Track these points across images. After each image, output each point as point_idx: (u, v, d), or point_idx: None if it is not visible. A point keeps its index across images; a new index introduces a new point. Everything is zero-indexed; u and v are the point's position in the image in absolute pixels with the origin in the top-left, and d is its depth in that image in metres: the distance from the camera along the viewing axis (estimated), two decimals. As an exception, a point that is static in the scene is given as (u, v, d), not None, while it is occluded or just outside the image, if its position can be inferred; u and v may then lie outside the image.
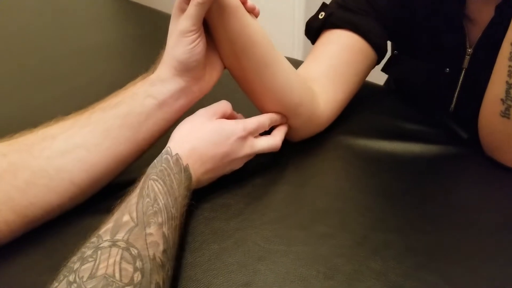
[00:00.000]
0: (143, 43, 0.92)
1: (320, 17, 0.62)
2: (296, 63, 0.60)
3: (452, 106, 0.63)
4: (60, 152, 0.44)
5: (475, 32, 0.58)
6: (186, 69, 0.47)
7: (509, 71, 0.49)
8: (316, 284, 0.39)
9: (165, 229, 0.38)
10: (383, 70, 0.70)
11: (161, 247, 0.36)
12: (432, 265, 0.41)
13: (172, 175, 0.42)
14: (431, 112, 0.65)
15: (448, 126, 0.62)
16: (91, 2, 1.21)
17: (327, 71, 0.59)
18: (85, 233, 0.36)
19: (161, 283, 0.34)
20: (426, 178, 0.52)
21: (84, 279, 0.31)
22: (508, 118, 0.50)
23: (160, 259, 0.35)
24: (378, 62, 0.63)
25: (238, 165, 0.50)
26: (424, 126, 0.61)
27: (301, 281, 0.39)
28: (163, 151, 0.45)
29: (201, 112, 0.49)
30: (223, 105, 0.51)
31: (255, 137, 0.51)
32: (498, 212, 0.47)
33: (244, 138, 0.49)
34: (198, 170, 0.46)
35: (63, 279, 0.32)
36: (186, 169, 0.44)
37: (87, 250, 0.34)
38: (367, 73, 0.62)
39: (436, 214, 0.46)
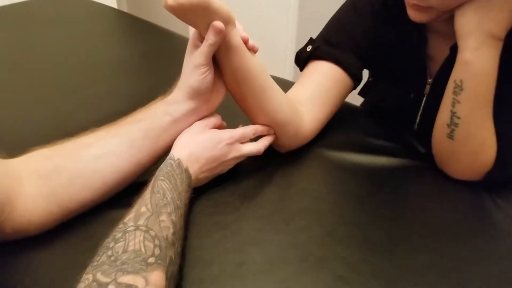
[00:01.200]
0: (151, 59, 1.04)
1: (307, 49, 0.73)
2: (286, 83, 0.71)
3: (416, 125, 0.75)
4: (95, 157, 0.55)
5: (435, 65, 0.69)
6: (197, 94, 0.59)
7: (452, 102, 0.60)
8: (294, 264, 0.51)
9: (173, 216, 0.49)
10: (359, 94, 0.82)
11: (171, 230, 0.47)
12: (386, 253, 0.53)
13: (175, 176, 0.54)
14: (398, 130, 0.77)
15: (410, 142, 0.74)
16: (103, 17, 1.33)
17: (312, 95, 0.70)
18: (111, 223, 0.46)
19: (173, 256, 0.46)
20: (387, 185, 0.64)
21: (119, 253, 0.42)
22: (452, 139, 0.62)
23: (171, 239, 0.47)
24: (354, 88, 0.75)
25: (229, 166, 0.62)
26: (390, 142, 0.73)
27: (283, 262, 0.51)
28: (167, 157, 0.56)
29: (196, 124, 0.60)
30: (214, 118, 0.62)
31: (243, 143, 0.62)
32: (441, 214, 0.59)
33: (231, 144, 0.60)
34: (196, 170, 0.57)
35: (103, 254, 0.42)
36: (186, 170, 0.56)
37: (117, 233, 0.45)
38: (344, 97, 0.74)
39: (392, 214, 0.58)
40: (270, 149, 0.67)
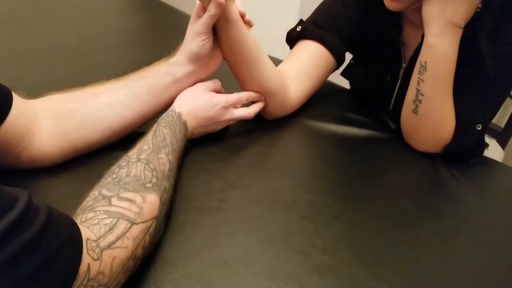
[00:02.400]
0: (158, 33, 1.13)
1: (297, 29, 0.81)
2: (279, 62, 0.80)
3: (391, 106, 0.83)
4: (104, 106, 0.63)
5: (409, 52, 0.77)
6: (197, 58, 0.66)
7: (418, 80, 0.69)
8: (267, 204, 0.59)
9: (170, 156, 0.56)
10: (342, 74, 0.90)
11: (167, 166, 0.55)
12: (345, 202, 0.61)
13: (175, 125, 0.61)
14: (374, 108, 0.85)
15: (383, 119, 0.82)
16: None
17: (298, 70, 0.78)
18: (114, 161, 0.53)
19: (167, 187, 0.53)
20: (358, 151, 0.72)
21: (123, 176, 0.49)
22: (417, 114, 0.70)
23: (167, 174, 0.54)
24: (337, 68, 0.83)
25: (221, 125, 0.70)
26: (365, 117, 0.82)
27: (258, 202, 0.59)
28: (169, 109, 0.64)
29: (199, 85, 0.68)
30: (215, 82, 0.70)
31: (235, 107, 0.70)
32: (400, 175, 0.68)
33: (226, 107, 0.68)
34: (192, 125, 0.65)
35: (108, 177, 0.50)
36: (184, 123, 0.63)
37: (121, 162, 0.52)
38: (327, 74, 0.82)
39: (356, 172, 0.67)
40: (258, 115, 0.74)
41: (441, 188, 0.66)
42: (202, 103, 0.66)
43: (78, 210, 0.46)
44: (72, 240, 0.37)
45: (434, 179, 0.68)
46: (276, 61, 0.79)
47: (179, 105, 0.65)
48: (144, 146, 0.55)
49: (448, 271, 0.52)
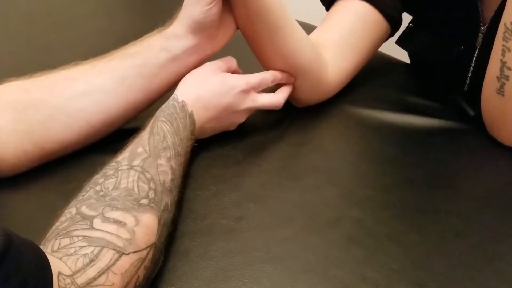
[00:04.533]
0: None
1: (336, -16, 0.81)
2: (309, 28, 0.79)
3: (466, 86, 0.82)
4: (79, 94, 0.63)
5: (488, 11, 0.75)
6: (201, 28, 0.66)
7: (503, 50, 0.67)
8: (299, 222, 0.58)
9: (172, 162, 0.56)
10: (397, 42, 0.88)
11: (169, 176, 0.55)
12: (405, 218, 0.60)
13: (178, 119, 0.61)
14: (444, 89, 0.83)
15: (457, 103, 0.81)
16: None
17: (339, 39, 0.78)
18: (95, 168, 0.53)
19: (169, 203, 0.53)
20: (421, 148, 0.72)
21: (110, 189, 0.49)
22: (503, 95, 0.69)
23: (169, 185, 0.54)
24: (391, 35, 0.82)
25: (240, 118, 0.70)
26: (430, 101, 0.81)
27: (287, 219, 0.59)
28: (170, 97, 0.64)
29: (207, 65, 0.68)
30: (229, 60, 0.70)
31: (258, 93, 0.69)
32: (478, 183, 0.67)
33: (246, 91, 0.67)
34: (202, 117, 0.65)
35: (89, 190, 0.50)
36: (191, 115, 0.63)
37: (108, 170, 0.52)
38: (378, 44, 0.81)
39: (420, 177, 0.66)
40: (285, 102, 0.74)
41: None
42: (213, 88, 0.66)
43: (49, 234, 0.46)
44: (39, 276, 0.37)
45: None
46: (308, 28, 0.78)
47: (182, 92, 0.65)
48: (138, 148, 0.55)
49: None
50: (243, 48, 0.73)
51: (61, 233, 0.45)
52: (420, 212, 0.61)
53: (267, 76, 0.70)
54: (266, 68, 0.73)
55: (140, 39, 0.68)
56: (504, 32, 0.67)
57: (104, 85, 0.64)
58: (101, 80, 0.64)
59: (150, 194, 0.51)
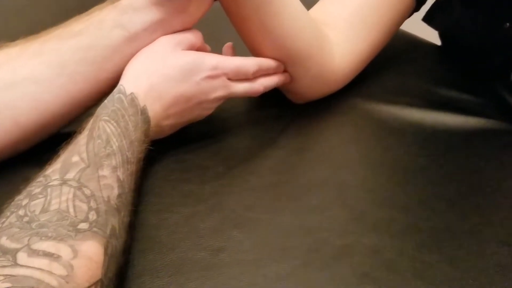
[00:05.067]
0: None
1: None
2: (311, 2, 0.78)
3: (513, 72, 0.81)
4: (4, 85, 0.62)
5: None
6: (167, -1, 0.65)
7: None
8: (297, 255, 0.56)
9: (119, 173, 0.55)
10: (424, 19, 0.88)
11: (116, 191, 0.53)
12: (435, 247, 0.58)
13: (126, 117, 0.60)
14: (484, 78, 0.83)
15: (500, 95, 0.80)
16: None
17: (349, 14, 0.77)
18: (17, 188, 0.51)
19: (116, 227, 0.52)
20: (454, 155, 0.70)
21: (37, 213, 0.48)
22: None
23: (116, 203, 0.53)
24: (416, 9, 0.81)
25: (208, 110, 0.68)
26: (468, 94, 0.80)
27: (280, 251, 0.57)
28: (115, 89, 0.62)
29: (162, 40, 0.66)
30: (192, 34, 0.68)
31: (234, 80, 0.68)
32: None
33: (215, 76, 0.66)
34: (158, 113, 0.64)
35: (10, 215, 0.48)
36: (143, 111, 0.62)
37: (34, 188, 0.50)
38: (400, 21, 0.80)
39: (454, 194, 0.65)
40: (279, 96, 0.73)
41: None
42: (171, 72, 0.65)
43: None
44: None
45: None
46: (310, 1, 0.76)
47: (130, 81, 0.64)
48: (73, 157, 0.54)
49: None
50: (224, 25, 0.72)
51: None
52: (454, 240, 0.60)
53: (248, 64, 0.69)
54: (253, 52, 0.72)
55: (86, 12, 0.67)
56: None
57: (37, 74, 0.63)
58: (33, 67, 0.63)
59: (90, 216, 0.49)
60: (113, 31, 0.65)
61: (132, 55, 0.66)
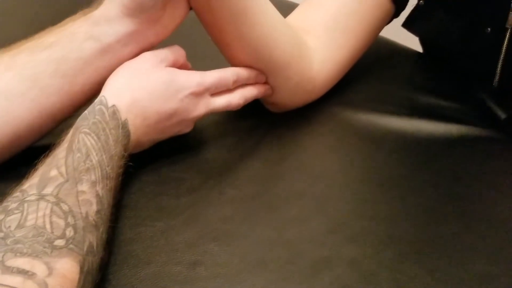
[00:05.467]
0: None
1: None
2: (289, 8, 0.78)
3: (496, 80, 0.80)
4: None
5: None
6: (140, 8, 0.64)
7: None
8: (275, 268, 0.56)
9: (99, 188, 0.55)
10: (404, 25, 0.88)
11: (94, 207, 0.53)
12: (415, 258, 0.58)
13: (107, 130, 0.59)
14: (466, 85, 0.82)
15: (483, 102, 0.80)
16: None
17: (327, 20, 0.77)
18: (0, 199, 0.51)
19: (94, 244, 0.51)
20: (435, 163, 0.70)
21: (12, 228, 0.47)
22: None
23: (94, 219, 0.52)
24: (396, 15, 0.81)
25: (188, 128, 0.68)
26: (449, 100, 0.80)
27: (258, 264, 0.56)
28: (96, 100, 0.62)
29: (147, 56, 0.66)
30: (176, 51, 0.68)
31: (213, 95, 0.68)
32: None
33: (198, 94, 0.66)
34: (138, 128, 0.63)
35: None
36: (124, 125, 0.61)
37: (10, 203, 0.50)
38: (379, 27, 0.80)
39: (435, 204, 0.65)
40: (256, 106, 0.73)
41: None
42: (155, 88, 0.65)
43: None
44: None
45: None
46: (288, 8, 0.76)
47: (113, 93, 0.63)
48: (51, 171, 0.54)
49: None
50: (199, 35, 0.72)
51: None
52: (434, 250, 0.60)
53: (227, 75, 0.69)
54: (231, 61, 0.72)
55: (59, 24, 0.66)
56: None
57: (8, 87, 0.62)
58: (5, 80, 0.63)
59: (68, 233, 0.49)
60: (85, 43, 0.65)
61: (105, 68, 0.66)
